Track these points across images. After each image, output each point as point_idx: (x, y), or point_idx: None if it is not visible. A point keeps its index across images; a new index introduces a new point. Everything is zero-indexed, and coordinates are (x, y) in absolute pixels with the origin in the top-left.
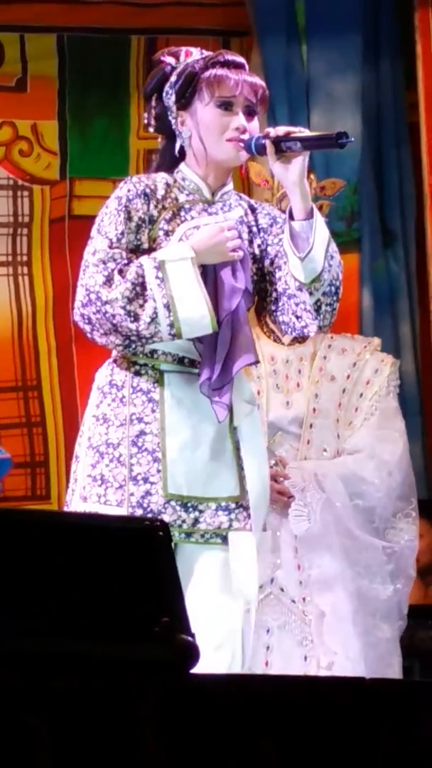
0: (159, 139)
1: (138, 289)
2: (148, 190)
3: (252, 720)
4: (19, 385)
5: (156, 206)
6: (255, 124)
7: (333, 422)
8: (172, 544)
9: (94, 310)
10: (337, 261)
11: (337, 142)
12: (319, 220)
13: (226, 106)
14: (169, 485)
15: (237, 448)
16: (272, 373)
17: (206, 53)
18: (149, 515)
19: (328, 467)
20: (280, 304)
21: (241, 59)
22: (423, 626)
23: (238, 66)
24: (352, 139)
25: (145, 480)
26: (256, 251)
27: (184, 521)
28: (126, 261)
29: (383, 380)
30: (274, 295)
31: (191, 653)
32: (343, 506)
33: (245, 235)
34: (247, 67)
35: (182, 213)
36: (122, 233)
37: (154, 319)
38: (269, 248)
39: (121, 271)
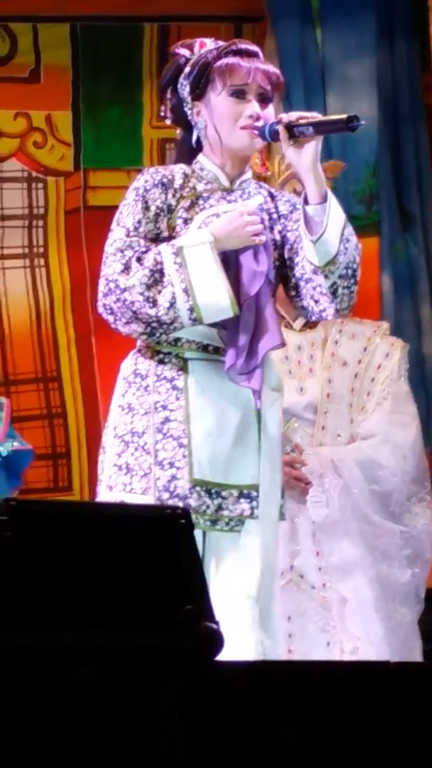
0: (177, 131)
1: (157, 275)
2: (165, 180)
3: (277, 707)
4: (39, 376)
5: (174, 195)
6: (270, 111)
7: (346, 407)
8: (201, 532)
9: (114, 299)
10: (353, 244)
11: (348, 126)
12: (334, 204)
13: (239, 94)
14: (195, 470)
15: (261, 435)
16: (284, 359)
17: (220, 43)
18: (176, 499)
19: (344, 453)
20: (299, 289)
21: (254, 47)
22: None
23: (251, 54)
24: (363, 123)
25: (171, 465)
26: (277, 237)
27: (208, 507)
28: (144, 248)
29: (394, 364)
30: (293, 280)
31: (215, 641)
32: (360, 492)
33: (266, 222)
34: (260, 54)
35: (201, 201)
36: (139, 222)
37: (173, 304)
38: (289, 234)
39: (139, 259)
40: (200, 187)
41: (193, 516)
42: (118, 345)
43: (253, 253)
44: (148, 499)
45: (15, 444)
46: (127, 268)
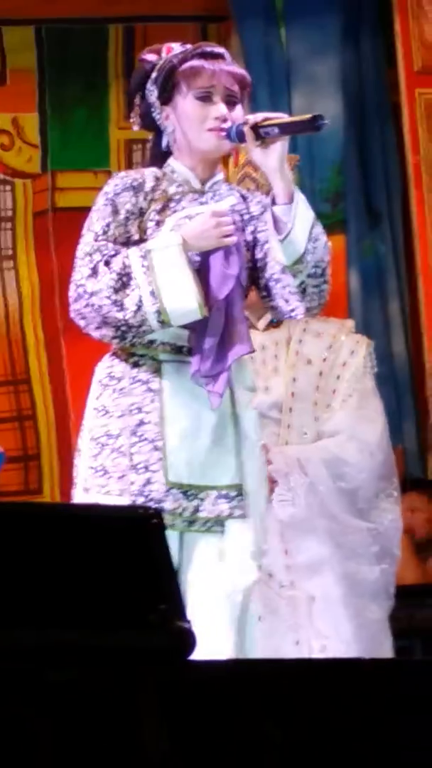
0: (150, 136)
1: (124, 278)
2: (135, 183)
3: (252, 705)
4: (9, 379)
5: (145, 198)
6: (237, 112)
7: (311, 405)
8: (177, 533)
9: (84, 303)
10: (322, 243)
11: (313, 125)
12: (301, 203)
13: (205, 96)
14: (170, 473)
15: (239, 436)
16: (249, 358)
17: (188, 47)
18: (150, 503)
19: (310, 451)
20: (269, 289)
21: (219, 49)
22: (422, 606)
23: (216, 56)
24: (327, 122)
25: (146, 468)
26: (249, 238)
27: (185, 509)
28: (113, 252)
29: (359, 361)
30: (263, 281)
31: (188, 640)
32: (326, 490)
33: (238, 224)
34: (227, 56)
35: (172, 204)
36: (108, 225)
37: (140, 308)
38: (260, 235)
39: (107, 263)
40: (172, 189)
41: (170, 517)
42: (87, 347)
43: (224, 255)
44: (125, 501)
45: None
46: (94, 273)
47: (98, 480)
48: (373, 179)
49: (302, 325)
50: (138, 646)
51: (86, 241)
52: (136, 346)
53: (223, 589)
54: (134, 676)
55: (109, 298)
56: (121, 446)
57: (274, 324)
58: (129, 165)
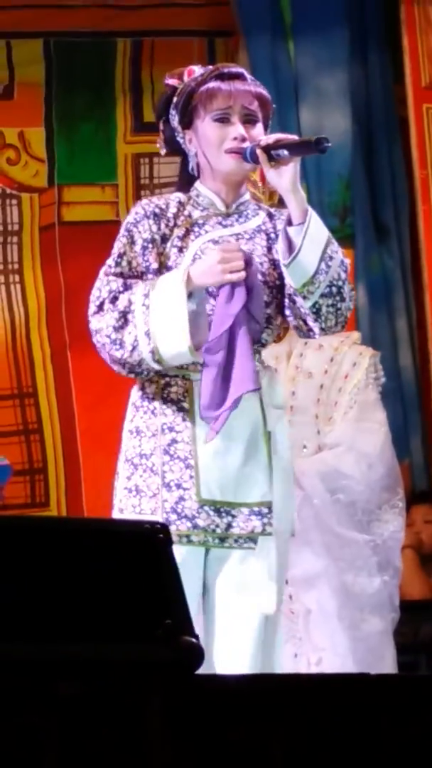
0: (161, 149)
1: (127, 316)
2: (157, 210)
3: (258, 720)
4: (15, 392)
5: (167, 225)
6: (258, 131)
7: (312, 419)
8: (203, 551)
9: (94, 340)
10: (338, 261)
11: (318, 147)
12: (314, 223)
13: (222, 118)
14: (202, 491)
15: (270, 453)
16: (279, 375)
17: (207, 68)
18: (183, 520)
19: (306, 465)
20: (290, 308)
21: (238, 69)
22: (428, 620)
23: (233, 77)
24: (330, 144)
25: (178, 486)
26: (276, 257)
27: (217, 526)
28: (122, 288)
29: (362, 372)
30: (285, 300)
31: (195, 654)
32: (322, 503)
33: (263, 243)
34: (246, 76)
35: (196, 228)
36: (120, 257)
37: (135, 347)
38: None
39: (114, 299)
40: (196, 213)
41: (202, 534)
42: (93, 360)
43: (230, 292)
44: (158, 519)
45: None
46: (100, 310)
47: (131, 500)
48: (380, 194)
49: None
50: (145, 660)
51: (100, 276)
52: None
53: (248, 609)
54: (141, 689)
55: (109, 336)
56: (153, 465)
57: (275, 338)
58: (136, 179)
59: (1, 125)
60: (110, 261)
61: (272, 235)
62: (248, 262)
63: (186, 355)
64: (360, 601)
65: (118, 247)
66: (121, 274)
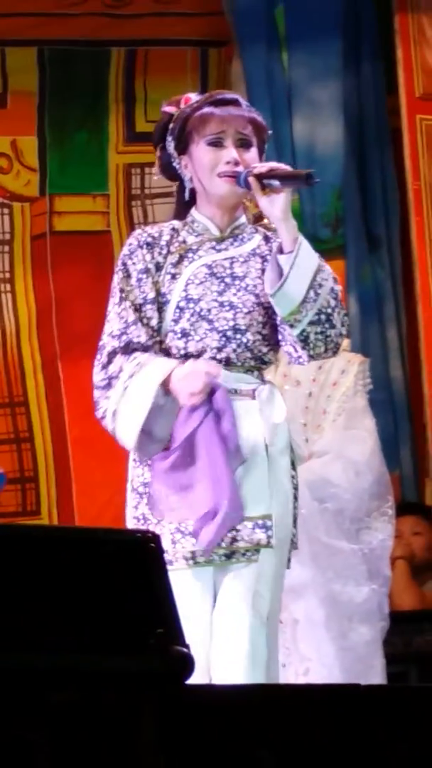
0: (156, 177)
1: (112, 382)
2: (150, 239)
3: (249, 729)
4: (6, 401)
5: (160, 253)
6: (252, 155)
7: (300, 427)
8: (210, 570)
9: None
10: (327, 288)
11: (307, 182)
12: (303, 252)
13: (216, 142)
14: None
15: (269, 465)
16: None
17: (203, 96)
18: (188, 536)
19: None
20: (281, 334)
21: (232, 95)
22: (419, 631)
23: (228, 102)
24: (318, 180)
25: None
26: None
27: (222, 540)
28: (122, 347)
29: (350, 380)
30: (277, 326)
31: (186, 664)
32: (309, 513)
33: (258, 266)
34: (241, 101)
35: (190, 254)
36: (121, 291)
37: (104, 417)
38: None
39: (113, 354)
40: (191, 239)
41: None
42: (84, 369)
43: (188, 411)
44: (165, 543)
45: None
46: (99, 356)
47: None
48: (371, 205)
49: None
50: (136, 669)
51: (109, 312)
52: None
53: (246, 617)
54: (133, 699)
55: (95, 390)
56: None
57: None
58: (127, 189)
59: None
60: (114, 297)
61: (267, 257)
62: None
63: (131, 450)
64: (348, 610)
65: (115, 281)
66: (124, 312)
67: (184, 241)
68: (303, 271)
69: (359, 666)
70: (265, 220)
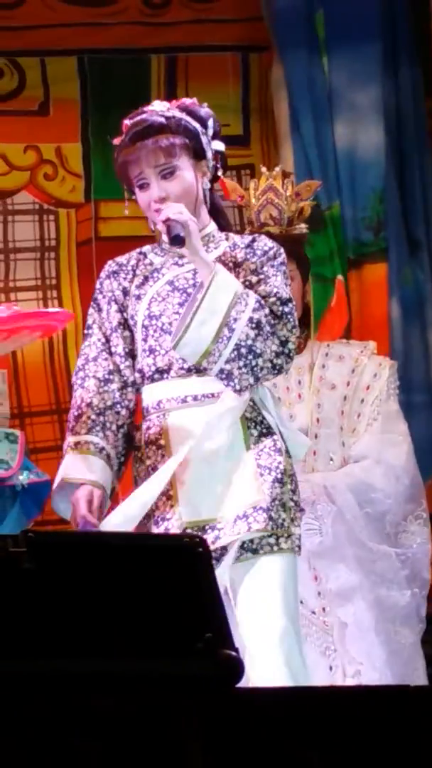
0: None
1: (74, 411)
2: (116, 267)
3: (298, 733)
4: (53, 408)
5: (126, 278)
6: (174, 183)
7: (337, 430)
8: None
9: None
10: (244, 320)
11: (171, 242)
12: (212, 290)
13: (142, 184)
14: (184, 516)
15: (257, 461)
16: (272, 386)
17: (125, 127)
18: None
19: (336, 478)
20: None
21: (144, 123)
22: None
23: (140, 136)
24: (177, 248)
25: (163, 519)
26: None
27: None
28: (77, 381)
29: (383, 384)
30: None
31: (235, 668)
32: (353, 517)
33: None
34: (152, 123)
35: (155, 274)
36: (90, 325)
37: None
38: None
39: (72, 387)
40: (157, 260)
41: None
42: None
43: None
44: None
45: (31, 476)
46: (75, 379)
47: None
48: (412, 207)
49: (324, 349)
50: (186, 674)
51: (81, 345)
52: (148, 408)
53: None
54: (182, 703)
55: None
56: (151, 509)
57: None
58: None
59: (38, 141)
60: (85, 329)
61: (230, 264)
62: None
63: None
64: (392, 614)
65: (89, 313)
66: (87, 348)
67: (151, 263)
68: (210, 315)
69: (406, 669)
70: (268, 228)
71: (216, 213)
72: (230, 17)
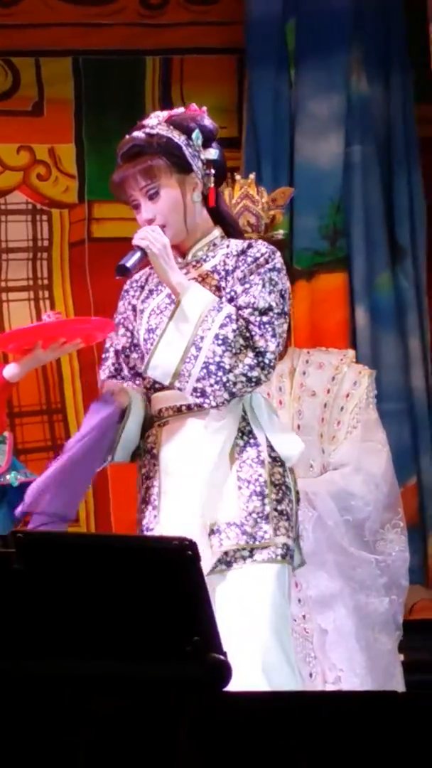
0: None
1: None
2: (127, 285)
3: (287, 736)
4: (43, 408)
5: (134, 295)
6: (159, 203)
7: (317, 437)
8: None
9: None
10: (210, 337)
11: (118, 270)
12: (178, 315)
13: (135, 205)
14: (167, 527)
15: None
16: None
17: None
18: None
19: (317, 485)
20: None
21: (130, 144)
22: None
23: (127, 158)
24: (117, 278)
25: (148, 529)
26: (225, 293)
27: None
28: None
29: (362, 392)
30: None
31: (223, 672)
32: (335, 524)
33: (214, 282)
34: (136, 141)
35: (159, 287)
36: (107, 349)
37: None
38: (225, 295)
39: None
40: None
41: None
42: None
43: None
44: None
45: (20, 476)
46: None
47: None
48: (398, 214)
49: (304, 356)
50: (174, 677)
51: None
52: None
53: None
54: (170, 706)
55: None
56: (140, 519)
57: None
58: None
59: (32, 142)
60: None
61: (222, 273)
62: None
63: None
64: (371, 620)
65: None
66: (107, 368)
67: (157, 276)
68: (176, 336)
69: (385, 675)
70: (246, 235)
71: (221, 219)
72: (228, 20)
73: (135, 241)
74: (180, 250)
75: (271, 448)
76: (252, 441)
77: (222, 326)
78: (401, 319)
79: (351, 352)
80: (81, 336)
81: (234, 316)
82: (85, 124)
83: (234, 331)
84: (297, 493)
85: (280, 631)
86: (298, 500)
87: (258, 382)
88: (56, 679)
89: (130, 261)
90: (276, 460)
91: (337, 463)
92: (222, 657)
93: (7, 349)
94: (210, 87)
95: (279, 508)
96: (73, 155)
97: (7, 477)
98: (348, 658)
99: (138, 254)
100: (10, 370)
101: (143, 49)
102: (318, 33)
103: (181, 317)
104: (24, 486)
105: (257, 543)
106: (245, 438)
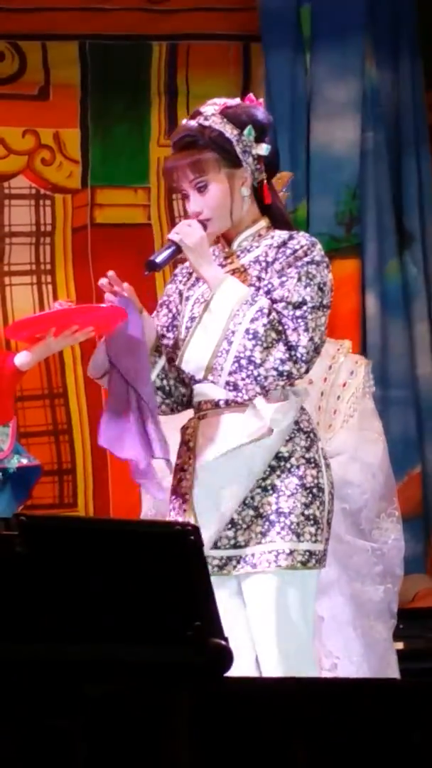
0: None
1: None
2: (177, 272)
3: (285, 722)
4: (45, 392)
5: (182, 280)
6: (207, 197)
7: None
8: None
9: None
10: (241, 332)
11: (146, 267)
12: (212, 308)
13: (184, 195)
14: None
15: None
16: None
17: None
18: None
19: None
20: None
21: (182, 134)
22: None
23: (179, 148)
24: (147, 273)
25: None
26: (265, 284)
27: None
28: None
29: (359, 381)
30: None
31: (224, 657)
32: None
33: (256, 273)
34: (189, 132)
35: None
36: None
37: None
38: (268, 283)
39: None
40: None
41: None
42: None
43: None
44: None
45: (23, 461)
46: None
47: None
48: (407, 200)
49: None
50: (174, 661)
51: None
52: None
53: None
54: (170, 691)
55: None
56: (172, 507)
57: None
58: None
59: (37, 126)
60: None
61: (263, 264)
62: None
63: None
64: (367, 608)
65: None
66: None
67: None
68: (208, 332)
69: (381, 663)
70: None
71: (269, 210)
72: (233, 6)
73: (170, 236)
74: (226, 238)
75: (306, 449)
76: (283, 463)
77: (253, 320)
78: (409, 306)
79: (348, 342)
80: (93, 324)
81: (266, 310)
82: (90, 110)
83: (265, 325)
84: (331, 493)
85: (300, 638)
86: (332, 499)
87: (290, 376)
88: (58, 663)
89: (161, 256)
90: (309, 461)
91: (333, 451)
92: (223, 642)
93: (19, 336)
94: (216, 73)
95: (306, 512)
96: (77, 140)
97: (11, 461)
98: (344, 646)
99: (171, 249)
100: (22, 358)
101: (149, 35)
102: (333, 17)
103: (214, 311)
104: (24, 470)
105: (281, 548)
106: (275, 460)
